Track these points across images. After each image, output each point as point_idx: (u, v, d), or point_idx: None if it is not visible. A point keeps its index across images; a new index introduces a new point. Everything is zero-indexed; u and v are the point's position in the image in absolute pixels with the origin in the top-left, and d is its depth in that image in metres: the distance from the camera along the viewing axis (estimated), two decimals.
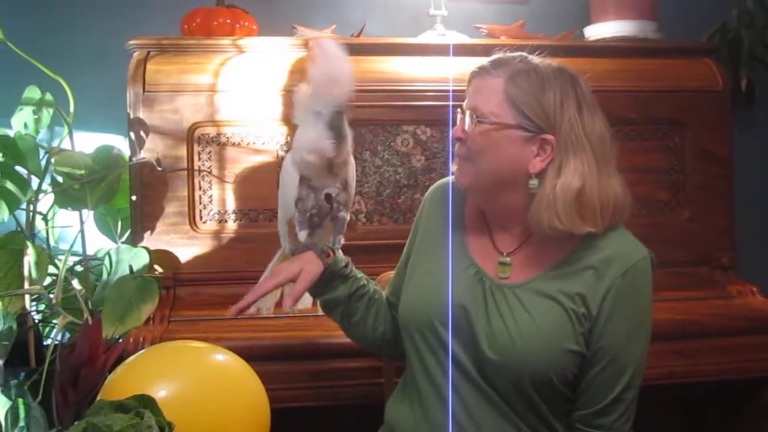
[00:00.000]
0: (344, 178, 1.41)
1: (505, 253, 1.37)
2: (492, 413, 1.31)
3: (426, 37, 2.25)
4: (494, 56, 1.36)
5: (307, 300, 1.50)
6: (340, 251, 1.45)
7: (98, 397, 1.26)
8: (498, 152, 1.31)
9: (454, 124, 1.38)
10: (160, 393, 1.19)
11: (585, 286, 1.30)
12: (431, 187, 1.52)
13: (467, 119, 1.33)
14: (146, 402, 1.15)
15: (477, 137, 1.32)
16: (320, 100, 1.31)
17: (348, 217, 1.46)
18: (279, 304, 1.79)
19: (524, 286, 1.33)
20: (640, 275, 1.31)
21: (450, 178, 1.46)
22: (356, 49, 2.10)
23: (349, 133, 1.35)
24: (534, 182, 1.30)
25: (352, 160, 1.43)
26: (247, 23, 2.18)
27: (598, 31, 2.33)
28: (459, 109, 1.36)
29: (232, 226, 1.99)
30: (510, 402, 1.31)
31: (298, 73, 2.01)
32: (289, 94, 1.96)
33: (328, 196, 1.39)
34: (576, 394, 1.33)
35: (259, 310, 1.50)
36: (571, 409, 1.34)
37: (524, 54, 1.35)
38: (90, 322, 1.48)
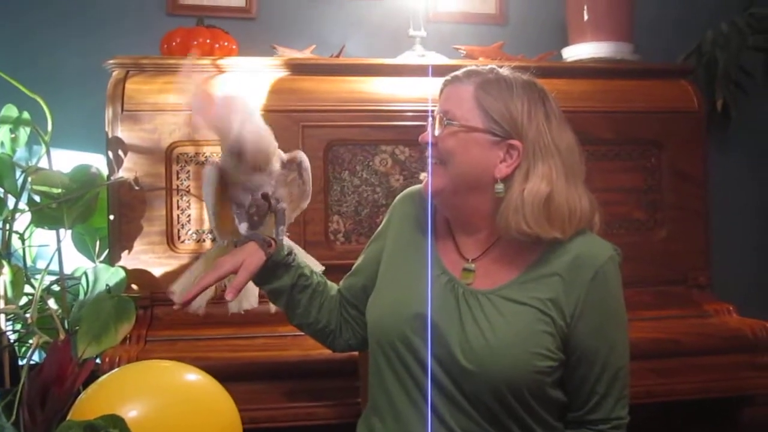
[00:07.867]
0: (276, 173, 1.43)
1: (470, 260, 1.39)
2: (465, 424, 1.31)
3: (405, 58, 2.26)
4: (466, 68, 1.40)
5: (252, 299, 1.51)
6: (282, 241, 1.45)
7: (69, 417, 1.24)
8: (466, 154, 1.34)
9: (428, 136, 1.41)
10: (130, 413, 1.17)
11: (555, 292, 1.31)
12: (399, 196, 1.54)
13: (437, 124, 1.36)
14: (116, 422, 1.14)
15: (447, 139, 1.35)
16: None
17: (286, 207, 1.47)
18: (253, 324, 1.80)
19: (496, 292, 1.34)
20: (608, 275, 1.33)
21: (418, 187, 1.48)
22: (336, 70, 2.13)
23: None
24: (500, 186, 1.33)
25: (304, 156, 1.48)
26: (226, 43, 2.18)
27: (576, 52, 2.36)
28: (430, 117, 1.40)
29: (210, 245, 1.98)
30: (483, 413, 1.30)
31: (278, 92, 2.02)
32: (268, 114, 1.96)
33: (265, 195, 1.41)
34: (567, 396, 1.35)
35: (194, 310, 1.46)
36: (547, 415, 1.34)
37: (494, 66, 1.40)
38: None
